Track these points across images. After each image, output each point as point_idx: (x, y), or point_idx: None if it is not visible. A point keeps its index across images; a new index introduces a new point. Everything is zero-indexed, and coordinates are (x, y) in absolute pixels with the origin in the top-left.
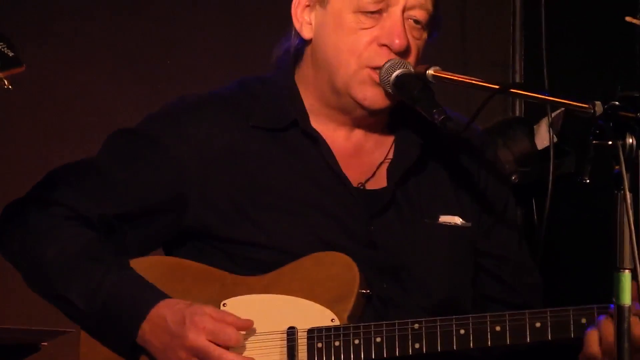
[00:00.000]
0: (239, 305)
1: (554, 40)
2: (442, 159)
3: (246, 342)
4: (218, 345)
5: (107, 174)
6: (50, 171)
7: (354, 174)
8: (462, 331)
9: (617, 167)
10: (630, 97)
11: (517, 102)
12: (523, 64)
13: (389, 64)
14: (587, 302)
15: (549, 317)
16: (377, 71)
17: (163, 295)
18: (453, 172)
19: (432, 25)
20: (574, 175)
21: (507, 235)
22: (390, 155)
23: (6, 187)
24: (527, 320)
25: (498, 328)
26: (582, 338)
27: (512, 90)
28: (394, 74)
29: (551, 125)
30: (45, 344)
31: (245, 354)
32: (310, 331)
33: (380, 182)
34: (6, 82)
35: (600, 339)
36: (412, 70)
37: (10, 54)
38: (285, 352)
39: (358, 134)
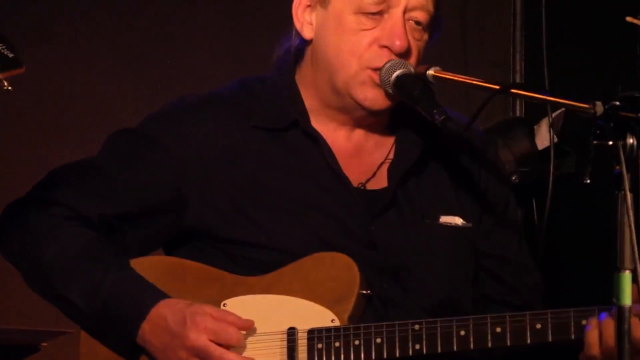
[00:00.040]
0: (239, 306)
1: (555, 40)
2: (443, 159)
3: (246, 342)
4: (219, 345)
5: (108, 174)
6: (51, 171)
7: (355, 174)
8: (462, 332)
9: (617, 167)
10: (630, 97)
11: (518, 102)
12: (523, 64)
13: (389, 64)
14: (587, 302)
15: (549, 319)
16: (378, 72)
17: (163, 295)
18: (454, 172)
19: (433, 26)
20: (574, 176)
21: (508, 235)
22: (391, 156)
23: (6, 187)
24: (528, 321)
25: (498, 329)
26: (582, 339)
27: (512, 90)
28: (394, 75)
29: (551, 125)
30: (45, 344)
31: (246, 354)
32: (311, 332)
33: (380, 182)
34: (6, 83)
35: (601, 340)
36: (412, 70)
37: (10, 55)
38: (285, 353)
39: (359, 134)
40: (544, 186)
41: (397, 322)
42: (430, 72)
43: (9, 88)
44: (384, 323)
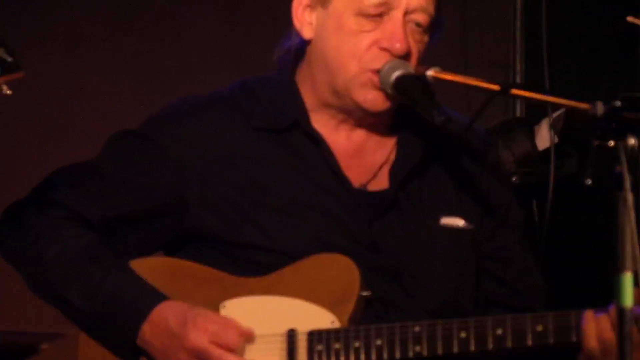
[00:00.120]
0: (239, 307)
1: (555, 41)
2: (445, 161)
3: (246, 343)
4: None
5: (108, 175)
6: (51, 173)
7: (356, 175)
8: (463, 334)
9: (618, 168)
10: (632, 97)
11: (518, 103)
12: (524, 64)
13: (389, 65)
14: (588, 304)
15: (550, 321)
16: (378, 74)
17: (163, 297)
18: (456, 173)
19: (434, 27)
20: (575, 177)
21: (510, 237)
22: (392, 156)
23: (6, 188)
24: (529, 323)
25: (499, 331)
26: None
27: (512, 90)
28: (394, 75)
29: (552, 126)
30: (45, 346)
31: (246, 355)
32: (311, 333)
33: (382, 183)
34: (5, 88)
35: (598, 333)
36: (412, 71)
37: (9, 59)
38: (285, 354)
39: (359, 134)
40: (544, 187)
41: (397, 323)
42: (430, 72)
43: (8, 92)
44: (384, 325)
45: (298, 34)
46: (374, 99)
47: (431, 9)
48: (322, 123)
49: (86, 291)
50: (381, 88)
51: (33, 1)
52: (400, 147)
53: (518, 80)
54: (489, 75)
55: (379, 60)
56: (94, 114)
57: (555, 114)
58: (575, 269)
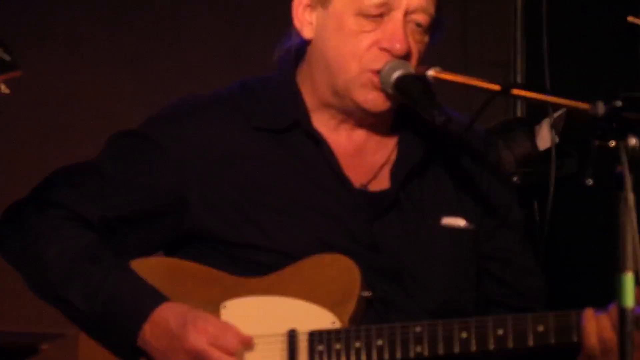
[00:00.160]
0: (240, 307)
1: (556, 40)
2: (445, 161)
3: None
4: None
5: (108, 175)
6: (51, 173)
7: (356, 175)
8: (464, 334)
9: (619, 168)
10: (632, 97)
11: (519, 103)
12: (524, 64)
13: (389, 65)
14: (589, 304)
15: (551, 321)
16: (378, 74)
17: (164, 297)
18: (456, 173)
19: (434, 28)
20: (575, 177)
21: (511, 237)
22: (393, 156)
23: (6, 188)
24: (530, 324)
25: (501, 332)
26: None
27: (513, 90)
28: (395, 76)
29: (553, 126)
30: (45, 346)
31: (246, 356)
32: (312, 334)
33: (382, 183)
34: (2, 87)
35: (598, 332)
36: (412, 71)
37: (7, 58)
38: (286, 355)
39: (360, 133)
40: (545, 187)
41: (398, 324)
42: (430, 72)
43: (7, 91)
44: (385, 325)
45: (298, 34)
46: (374, 99)
47: (431, 9)
48: (323, 123)
49: (86, 291)
50: (381, 88)
51: (33, 1)
52: (400, 147)
53: (518, 80)
54: (489, 75)
55: (380, 61)
56: (94, 114)
57: (555, 114)
58: (576, 269)
